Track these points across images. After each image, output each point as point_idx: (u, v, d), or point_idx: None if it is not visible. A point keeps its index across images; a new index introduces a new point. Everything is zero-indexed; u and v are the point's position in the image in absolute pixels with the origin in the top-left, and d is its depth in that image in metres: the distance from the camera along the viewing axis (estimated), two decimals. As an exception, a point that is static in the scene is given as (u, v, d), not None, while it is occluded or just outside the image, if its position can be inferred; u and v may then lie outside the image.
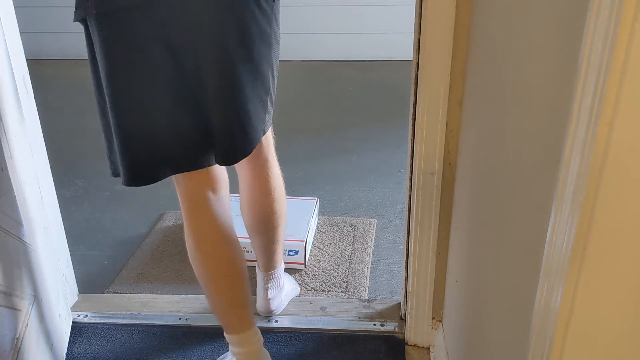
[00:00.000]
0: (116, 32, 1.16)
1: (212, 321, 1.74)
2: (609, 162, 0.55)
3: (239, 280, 1.41)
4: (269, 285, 1.71)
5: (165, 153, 1.25)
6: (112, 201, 2.40)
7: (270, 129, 1.42)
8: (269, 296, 1.72)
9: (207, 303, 1.53)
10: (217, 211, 1.36)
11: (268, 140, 1.46)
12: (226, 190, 1.40)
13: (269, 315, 1.75)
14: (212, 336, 1.70)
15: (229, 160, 1.28)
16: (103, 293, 1.93)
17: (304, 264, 1.98)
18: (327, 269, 2.00)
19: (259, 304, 1.74)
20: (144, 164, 1.25)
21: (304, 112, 3.19)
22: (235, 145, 1.26)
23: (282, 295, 1.76)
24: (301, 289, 1.91)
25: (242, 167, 1.49)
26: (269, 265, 1.69)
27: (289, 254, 1.96)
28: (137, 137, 1.23)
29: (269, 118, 1.34)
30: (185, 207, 1.36)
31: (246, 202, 1.55)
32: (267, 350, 1.52)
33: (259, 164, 1.48)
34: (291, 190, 2.47)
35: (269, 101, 1.30)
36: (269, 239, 1.62)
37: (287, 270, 1.97)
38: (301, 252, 1.97)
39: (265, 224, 1.57)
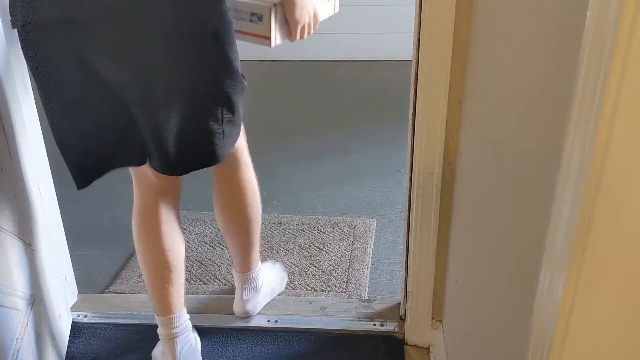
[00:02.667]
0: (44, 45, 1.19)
1: (211, 321, 1.74)
2: (609, 162, 0.55)
3: (168, 275, 1.51)
4: (245, 286, 1.71)
5: (97, 152, 1.32)
6: (112, 201, 2.40)
7: (241, 135, 1.44)
8: (244, 297, 1.71)
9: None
10: (163, 218, 1.47)
11: (236, 146, 1.46)
12: (175, 200, 1.51)
13: (245, 316, 1.74)
14: (212, 335, 1.70)
15: (163, 170, 1.35)
16: (103, 293, 1.93)
17: (269, 38, 1.37)
18: (326, 269, 2.00)
19: (235, 305, 1.74)
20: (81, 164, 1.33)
21: (304, 112, 3.19)
22: (172, 160, 1.31)
23: (259, 296, 1.75)
24: (301, 289, 1.91)
25: (213, 171, 1.51)
26: (243, 267, 1.68)
27: (250, 20, 1.38)
28: (69, 139, 1.30)
29: (236, 131, 1.37)
30: (135, 208, 1.49)
31: (217, 205, 1.58)
32: (193, 346, 1.59)
33: (228, 169, 1.50)
34: (291, 190, 2.48)
35: (231, 121, 1.31)
36: (242, 241, 1.63)
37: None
38: (266, 20, 1.35)
39: (236, 227, 1.61)
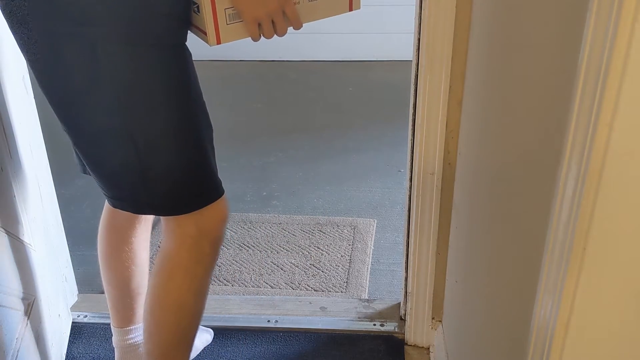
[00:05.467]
0: None
1: (210, 321, 1.74)
2: (609, 162, 0.55)
3: (125, 289, 1.47)
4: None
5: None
6: (112, 201, 2.40)
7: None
8: None
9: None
10: (129, 237, 1.40)
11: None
12: (144, 224, 1.42)
13: None
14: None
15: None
16: (103, 293, 1.92)
17: (206, 33, 1.13)
18: (326, 269, 2.00)
19: None
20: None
21: (304, 112, 3.19)
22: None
23: None
24: (301, 289, 1.91)
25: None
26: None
27: (194, 11, 1.15)
28: None
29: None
30: (103, 217, 1.42)
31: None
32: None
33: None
34: (291, 190, 2.48)
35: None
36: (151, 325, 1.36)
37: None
38: (203, 10, 1.11)
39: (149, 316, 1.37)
